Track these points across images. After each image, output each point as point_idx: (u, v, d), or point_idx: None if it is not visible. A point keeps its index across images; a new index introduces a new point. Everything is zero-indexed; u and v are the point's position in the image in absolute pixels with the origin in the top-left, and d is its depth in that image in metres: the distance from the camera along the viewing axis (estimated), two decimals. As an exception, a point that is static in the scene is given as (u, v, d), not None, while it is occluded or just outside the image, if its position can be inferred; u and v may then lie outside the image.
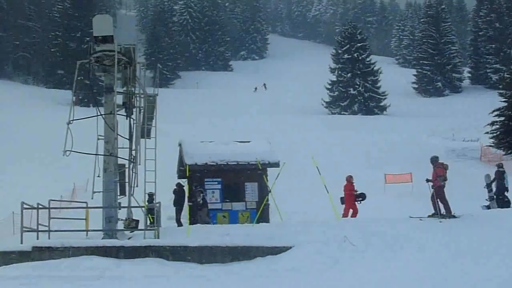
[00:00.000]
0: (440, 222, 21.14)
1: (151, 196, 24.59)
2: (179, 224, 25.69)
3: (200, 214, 24.47)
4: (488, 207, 26.71)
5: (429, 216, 22.58)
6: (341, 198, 26.22)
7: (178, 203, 26.39)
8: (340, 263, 17.38)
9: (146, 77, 24.78)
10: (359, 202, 26.07)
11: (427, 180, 23.46)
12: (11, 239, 24.02)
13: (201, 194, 24.68)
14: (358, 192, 26.14)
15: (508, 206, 26.10)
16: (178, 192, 26.63)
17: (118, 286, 16.06)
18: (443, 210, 22.75)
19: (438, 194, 22.82)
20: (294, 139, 63.27)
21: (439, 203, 22.68)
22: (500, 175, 27.32)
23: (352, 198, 25.74)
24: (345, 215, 24.98)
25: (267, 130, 69.69)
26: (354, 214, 25.09)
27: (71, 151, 20.18)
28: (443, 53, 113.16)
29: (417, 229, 19.58)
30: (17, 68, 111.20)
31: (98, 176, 21.49)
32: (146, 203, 22.70)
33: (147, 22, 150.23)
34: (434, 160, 23.75)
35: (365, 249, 18.08)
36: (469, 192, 37.08)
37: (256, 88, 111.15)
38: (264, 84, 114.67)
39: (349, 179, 26.22)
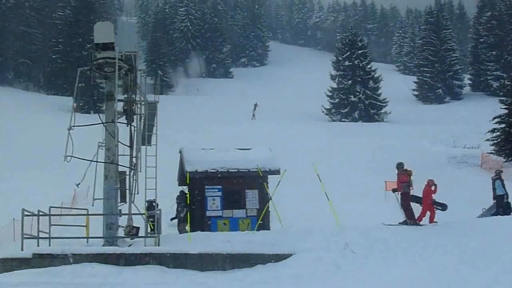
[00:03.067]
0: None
1: (151, 204, 24.55)
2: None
3: (181, 227, 25.23)
4: (495, 214, 26.52)
5: (399, 224, 22.68)
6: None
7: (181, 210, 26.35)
8: (342, 269, 17.37)
9: (147, 84, 24.76)
10: (437, 209, 25.61)
11: (393, 190, 23.57)
12: (11, 246, 24.02)
13: (185, 209, 24.89)
14: (440, 202, 25.70)
15: (507, 214, 26.00)
16: (180, 199, 26.58)
17: (119, 294, 16.05)
18: (404, 217, 22.89)
19: (404, 201, 22.92)
20: (294, 146, 63.23)
21: (405, 209, 22.84)
22: (492, 182, 27.34)
23: (430, 201, 25.14)
24: (419, 219, 24.47)
25: (267, 137, 69.74)
26: (431, 219, 24.31)
27: (72, 156, 20.18)
28: (444, 60, 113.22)
29: (419, 236, 19.59)
30: (18, 74, 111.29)
31: (78, 185, 21.49)
32: (146, 211, 22.67)
33: (148, 29, 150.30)
34: (399, 166, 23.82)
35: (367, 255, 18.08)
36: (469, 199, 37.12)
37: (254, 115, 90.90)
38: (255, 105, 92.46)
39: (430, 183, 25.80)
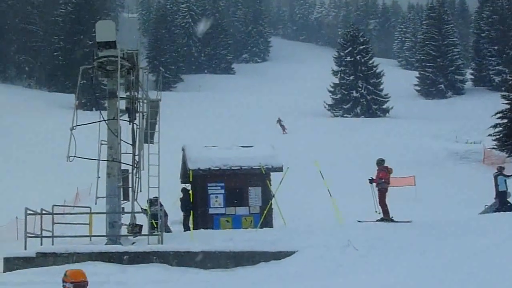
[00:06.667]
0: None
1: (154, 201, 24.53)
2: (186, 228, 25.66)
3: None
4: (497, 211, 26.44)
5: (377, 221, 22.72)
6: None
7: (184, 208, 26.39)
8: (343, 267, 17.38)
9: (149, 80, 24.78)
10: None
11: (370, 180, 23.64)
12: (15, 245, 24.05)
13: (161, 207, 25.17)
14: None
15: (509, 210, 25.97)
16: (184, 197, 26.63)
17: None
18: (379, 210, 22.97)
19: (379, 197, 23.03)
20: (297, 142, 63.25)
21: (381, 205, 22.95)
22: (494, 178, 27.38)
23: None
24: None
25: (270, 133, 69.75)
26: None
27: (74, 156, 20.21)
28: (446, 55, 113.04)
29: (421, 234, 19.57)
30: (19, 72, 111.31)
31: (98, 177, 21.57)
32: (149, 209, 22.71)
33: (149, 26, 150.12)
34: (380, 162, 23.93)
35: (368, 253, 18.07)
36: (471, 194, 37.10)
37: (283, 128, 76.42)
38: (279, 120, 78.19)
39: None
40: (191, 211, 24.09)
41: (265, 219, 24.18)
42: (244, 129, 69.97)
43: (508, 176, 27.22)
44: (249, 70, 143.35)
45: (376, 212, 23.13)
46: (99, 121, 21.52)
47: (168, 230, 25.64)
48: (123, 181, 22.11)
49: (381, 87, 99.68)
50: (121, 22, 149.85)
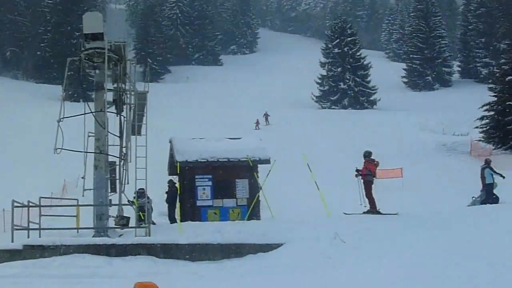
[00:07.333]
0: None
1: (141, 193, 24.44)
2: (172, 221, 25.66)
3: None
4: (483, 202, 26.56)
5: (364, 213, 22.80)
6: None
7: (171, 201, 26.37)
8: (332, 259, 17.39)
9: (136, 72, 24.71)
10: None
11: (357, 173, 23.69)
12: (1, 237, 23.97)
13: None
14: None
15: (495, 202, 26.12)
16: (170, 189, 26.63)
17: (111, 285, 16.02)
18: (367, 205, 23.05)
19: (366, 189, 23.13)
20: (284, 134, 63.30)
21: (368, 197, 23.06)
22: (482, 171, 27.53)
23: None
24: None
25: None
26: None
27: (61, 149, 20.15)
28: (433, 47, 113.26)
29: (410, 225, 19.61)
30: (6, 63, 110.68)
31: (83, 178, 21.59)
32: (137, 201, 22.68)
33: (137, 17, 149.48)
34: (367, 155, 24.03)
35: (358, 245, 18.08)
36: (459, 186, 37.23)
37: (257, 123, 75.57)
38: (266, 115, 78.76)
39: None
40: (179, 203, 24.07)
41: (252, 211, 24.23)
42: (231, 121, 69.93)
43: (495, 172, 27.34)
44: (237, 62, 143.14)
45: (361, 204, 23.22)
46: (86, 113, 21.44)
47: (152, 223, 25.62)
48: (111, 173, 22.07)
49: (369, 79, 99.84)
50: (109, 14, 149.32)
